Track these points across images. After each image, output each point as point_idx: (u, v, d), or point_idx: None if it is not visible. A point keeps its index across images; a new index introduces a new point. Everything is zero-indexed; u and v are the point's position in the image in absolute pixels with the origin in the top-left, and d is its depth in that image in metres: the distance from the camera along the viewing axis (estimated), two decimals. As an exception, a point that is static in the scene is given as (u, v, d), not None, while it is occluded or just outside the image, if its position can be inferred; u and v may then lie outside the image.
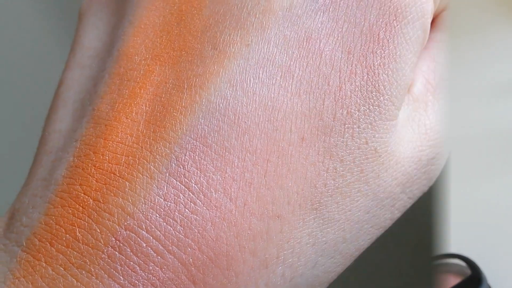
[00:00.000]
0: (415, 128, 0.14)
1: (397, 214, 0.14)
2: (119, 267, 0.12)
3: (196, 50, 0.13)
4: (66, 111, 0.14)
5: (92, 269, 0.12)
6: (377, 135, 0.13)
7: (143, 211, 0.12)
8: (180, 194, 0.12)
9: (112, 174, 0.12)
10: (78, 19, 0.17)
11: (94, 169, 0.12)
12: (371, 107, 0.13)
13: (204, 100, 0.12)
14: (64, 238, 0.12)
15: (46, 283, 0.12)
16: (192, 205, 0.12)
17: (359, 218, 0.13)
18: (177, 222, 0.12)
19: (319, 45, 0.13)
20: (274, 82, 0.13)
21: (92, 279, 0.12)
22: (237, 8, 0.13)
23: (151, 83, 0.13)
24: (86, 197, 0.12)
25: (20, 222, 0.13)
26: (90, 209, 0.12)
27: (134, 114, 0.13)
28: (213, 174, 0.12)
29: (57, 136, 0.14)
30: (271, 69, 0.13)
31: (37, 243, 0.12)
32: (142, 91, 0.13)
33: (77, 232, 0.12)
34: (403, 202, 0.14)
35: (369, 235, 0.14)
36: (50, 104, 0.15)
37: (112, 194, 0.12)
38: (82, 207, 0.12)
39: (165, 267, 0.12)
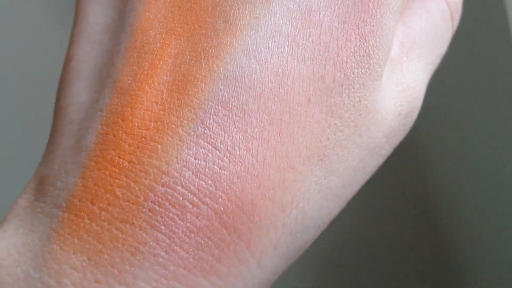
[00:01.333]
0: (393, 87, 0.16)
1: (381, 161, 0.17)
2: (160, 219, 0.13)
3: (209, 24, 0.15)
4: (83, 84, 0.16)
5: (135, 222, 0.13)
6: (367, 94, 0.15)
7: (177, 169, 0.13)
8: (209, 153, 0.13)
9: (143, 139, 0.14)
10: None
11: (125, 135, 0.14)
12: (363, 69, 0.15)
13: (221, 69, 0.14)
14: (104, 197, 0.13)
15: (92, 237, 0.13)
16: (220, 162, 0.13)
17: (354, 166, 0.15)
18: (208, 177, 0.13)
19: (319, 16, 0.15)
20: (282, 50, 0.14)
21: (136, 230, 0.13)
22: None
23: (168, 55, 0.14)
24: (121, 160, 0.14)
25: (53, 187, 0.14)
26: (126, 170, 0.13)
27: (156, 83, 0.14)
28: (235, 134, 0.14)
29: (77, 107, 0.15)
30: (278, 39, 0.14)
31: (77, 203, 0.14)
32: (161, 63, 0.14)
33: (117, 191, 0.13)
34: (386, 151, 0.16)
35: (361, 181, 0.16)
36: (61, 78, 0.16)
37: (146, 156, 0.13)
38: (118, 169, 0.13)
39: (200, 216, 0.13)
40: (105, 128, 0.14)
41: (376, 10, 0.15)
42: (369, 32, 0.15)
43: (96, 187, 0.14)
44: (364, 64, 0.15)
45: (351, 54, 0.15)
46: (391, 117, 0.16)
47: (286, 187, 0.14)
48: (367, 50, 0.15)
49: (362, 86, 0.15)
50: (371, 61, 0.15)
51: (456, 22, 0.19)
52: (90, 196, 0.13)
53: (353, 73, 0.15)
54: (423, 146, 0.44)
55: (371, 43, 0.15)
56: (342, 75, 0.15)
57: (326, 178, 0.15)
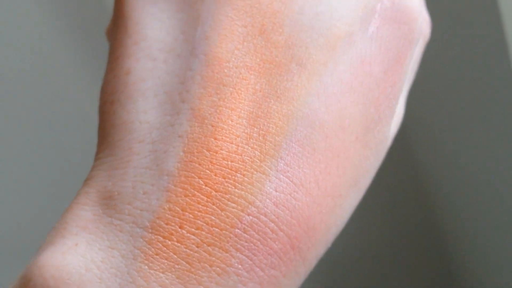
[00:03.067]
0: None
1: None
2: (245, 244, 0.15)
3: (283, 64, 0.16)
4: (149, 103, 0.16)
5: (223, 246, 0.15)
6: (388, 128, 0.18)
7: (261, 200, 0.15)
8: (287, 186, 0.15)
9: (229, 170, 0.15)
10: (124, 4, 0.17)
11: (211, 164, 0.15)
12: (390, 110, 0.18)
13: (297, 111, 0.16)
14: (194, 222, 0.15)
15: (181, 258, 0.15)
16: (295, 194, 0.16)
17: (368, 185, 0.18)
18: (285, 207, 0.15)
19: (370, 67, 0.17)
20: (343, 96, 0.16)
21: (223, 253, 0.15)
22: (309, 28, 0.16)
23: (248, 90, 0.16)
24: (208, 188, 0.15)
25: (131, 206, 0.15)
26: (214, 199, 0.15)
27: (237, 117, 0.16)
28: (307, 170, 0.16)
29: (147, 126, 0.16)
30: (340, 85, 0.16)
31: (164, 226, 0.15)
32: (241, 97, 0.16)
33: (205, 217, 0.15)
34: None
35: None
36: (118, 90, 0.16)
37: (233, 187, 0.15)
38: (207, 197, 0.15)
39: (277, 240, 0.15)
40: (189, 156, 0.15)
41: (405, 61, 0.18)
42: (398, 79, 0.18)
43: (184, 212, 0.15)
44: (391, 106, 0.18)
45: (385, 98, 0.17)
46: (390, 140, 0.19)
47: (335, 212, 0.17)
48: (394, 94, 0.18)
49: (386, 123, 0.18)
50: (394, 102, 0.18)
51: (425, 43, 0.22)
52: (179, 221, 0.15)
53: (384, 114, 0.18)
54: (420, 148, 0.46)
55: (397, 87, 0.18)
56: (377, 116, 0.17)
57: (356, 199, 0.18)
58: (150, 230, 0.15)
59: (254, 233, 0.15)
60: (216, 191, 0.15)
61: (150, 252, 0.15)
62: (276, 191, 0.15)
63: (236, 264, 0.15)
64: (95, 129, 0.17)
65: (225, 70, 0.16)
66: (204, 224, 0.15)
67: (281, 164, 0.16)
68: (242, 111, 0.16)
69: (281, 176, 0.15)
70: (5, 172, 0.51)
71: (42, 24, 0.48)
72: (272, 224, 0.15)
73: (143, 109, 0.16)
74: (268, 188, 0.15)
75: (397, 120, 0.20)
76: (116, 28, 0.17)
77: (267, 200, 0.15)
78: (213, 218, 0.15)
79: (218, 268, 0.15)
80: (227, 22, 0.16)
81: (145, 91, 0.16)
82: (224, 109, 0.16)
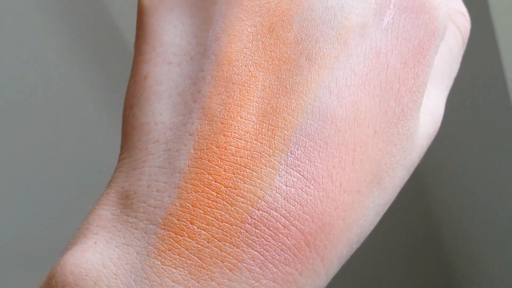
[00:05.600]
0: (425, 112, 0.19)
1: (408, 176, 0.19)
2: (255, 239, 0.15)
3: (293, 60, 0.16)
4: (164, 105, 0.17)
5: (234, 241, 0.15)
6: (414, 123, 0.17)
7: (271, 195, 0.15)
8: (298, 181, 0.15)
9: (238, 165, 0.15)
10: (141, 11, 0.18)
11: (220, 160, 0.15)
12: (414, 103, 0.17)
13: (308, 105, 0.16)
14: (204, 218, 0.15)
15: (193, 254, 0.15)
16: (307, 188, 0.15)
17: (398, 185, 0.18)
18: (297, 202, 0.15)
19: (386, 58, 0.16)
20: (357, 89, 0.16)
21: (234, 249, 0.15)
22: (320, 23, 0.16)
23: (256, 87, 0.16)
24: (218, 184, 0.15)
25: (146, 204, 0.15)
26: (223, 194, 0.15)
27: (246, 113, 0.16)
28: (319, 164, 0.15)
29: (161, 127, 0.16)
30: (354, 77, 0.16)
31: (176, 222, 0.15)
32: (250, 94, 0.16)
33: (215, 213, 0.15)
34: (416, 164, 0.19)
35: (396, 195, 0.18)
36: (135, 93, 0.17)
37: (242, 182, 0.15)
38: (216, 193, 0.15)
39: (290, 236, 0.15)
40: (199, 153, 0.15)
41: (427, 52, 0.17)
42: (421, 71, 0.17)
43: (194, 208, 0.15)
44: (415, 98, 0.17)
45: (408, 90, 0.17)
46: (424, 138, 0.19)
47: (354, 208, 0.16)
48: (418, 86, 0.17)
49: (411, 117, 0.17)
50: (419, 95, 0.17)
51: (465, 45, 0.21)
52: (190, 217, 0.15)
53: (407, 107, 0.17)
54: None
55: (421, 79, 0.17)
56: (400, 109, 0.17)
57: (379, 197, 0.17)
58: (162, 227, 0.15)
59: (265, 228, 0.15)
60: (225, 187, 0.15)
61: (163, 248, 0.15)
62: (286, 185, 0.15)
63: (248, 260, 0.15)
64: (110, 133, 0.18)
65: (235, 69, 0.16)
66: (214, 220, 0.15)
67: (291, 158, 0.15)
68: (251, 108, 0.16)
69: (291, 170, 0.15)
70: (28, 177, 0.53)
71: (45, 25, 0.50)
72: (283, 219, 0.15)
73: (159, 110, 0.17)
74: (278, 182, 0.15)
75: (432, 119, 0.19)
76: (137, 37, 0.18)
77: (277, 195, 0.15)
78: (223, 213, 0.15)
79: (229, 264, 0.15)
80: (237, 22, 0.17)
81: (161, 93, 0.17)
82: (233, 106, 0.16)
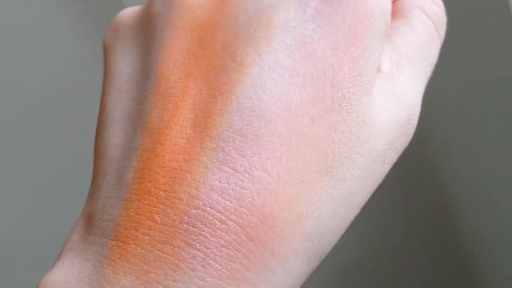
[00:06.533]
0: (387, 97, 0.18)
1: (387, 168, 0.18)
2: (194, 237, 0.15)
3: (220, 65, 0.17)
4: (117, 128, 0.18)
5: (174, 242, 0.15)
6: (363, 109, 0.17)
7: (205, 193, 0.15)
8: (230, 176, 0.16)
9: (174, 170, 0.16)
10: (104, 50, 0.20)
11: (158, 168, 0.16)
12: (357, 88, 0.17)
13: (234, 102, 0.16)
14: (146, 224, 0.16)
15: (138, 259, 0.15)
16: (241, 182, 0.16)
17: (361, 174, 0.17)
18: (231, 197, 0.15)
19: (313, 46, 0.17)
20: (284, 80, 0.16)
21: (175, 250, 0.15)
22: (246, 28, 0.17)
23: (189, 95, 0.17)
24: (157, 190, 0.16)
25: (101, 220, 0.17)
26: (162, 198, 0.16)
27: (180, 121, 0.16)
28: (251, 157, 0.16)
29: (114, 148, 0.18)
30: (280, 70, 0.16)
31: (123, 231, 0.16)
32: (183, 103, 0.17)
33: (156, 217, 0.16)
34: (391, 157, 0.18)
35: (370, 187, 0.18)
36: (98, 124, 0.19)
37: (178, 184, 0.16)
38: (155, 198, 0.16)
39: (228, 231, 0.15)
40: (141, 164, 0.16)
41: (363, 35, 0.17)
42: (359, 55, 0.17)
43: (137, 216, 0.16)
44: (358, 83, 0.17)
45: (346, 76, 0.17)
46: (389, 125, 0.18)
47: (300, 199, 0.16)
48: (359, 70, 0.17)
49: (358, 102, 0.17)
50: (363, 79, 0.17)
51: (442, 31, 0.21)
52: (134, 224, 0.16)
53: (349, 92, 0.17)
54: (434, 148, 0.45)
55: (361, 64, 0.17)
56: (340, 95, 0.17)
57: (335, 188, 0.17)
58: (112, 237, 0.16)
59: (202, 226, 0.15)
60: (164, 191, 0.16)
61: (113, 258, 0.16)
62: (220, 182, 0.16)
63: (190, 259, 0.15)
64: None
65: (170, 83, 0.17)
66: (155, 224, 0.16)
67: (222, 155, 0.16)
68: (185, 115, 0.17)
69: (223, 166, 0.16)
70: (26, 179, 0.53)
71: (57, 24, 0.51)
72: (219, 214, 0.15)
73: (113, 133, 0.18)
74: (211, 180, 0.16)
75: (400, 106, 0.18)
76: (103, 74, 0.20)
77: (211, 192, 0.15)
78: (162, 216, 0.16)
79: (172, 265, 0.15)
80: (171, 42, 0.18)
81: (114, 118, 0.18)
82: (168, 117, 0.17)
